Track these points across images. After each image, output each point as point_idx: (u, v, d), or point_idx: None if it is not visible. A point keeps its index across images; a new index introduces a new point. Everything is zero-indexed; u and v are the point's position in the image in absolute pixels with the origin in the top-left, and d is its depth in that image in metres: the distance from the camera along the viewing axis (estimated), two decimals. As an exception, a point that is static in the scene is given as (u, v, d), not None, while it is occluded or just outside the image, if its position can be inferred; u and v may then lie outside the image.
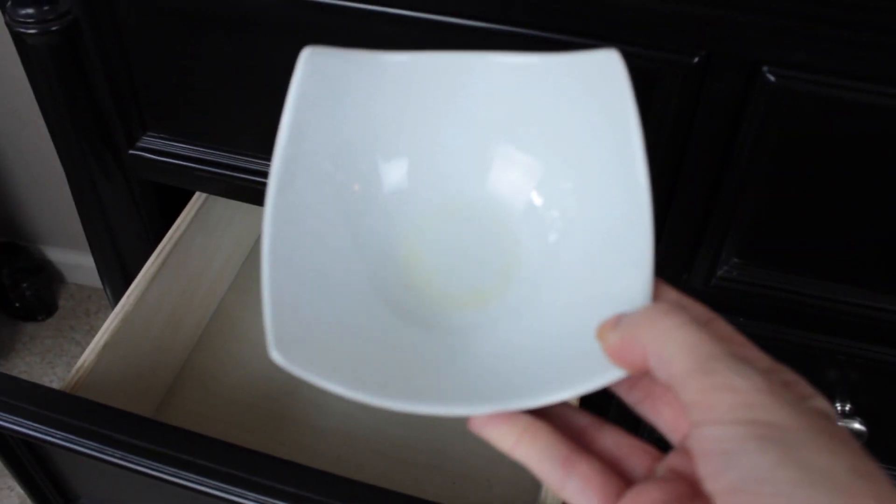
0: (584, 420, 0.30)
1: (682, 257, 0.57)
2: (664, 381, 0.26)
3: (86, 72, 0.59)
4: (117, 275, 0.71)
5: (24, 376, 1.50)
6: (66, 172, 0.66)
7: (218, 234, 0.73)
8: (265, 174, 0.62)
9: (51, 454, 0.57)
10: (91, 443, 0.50)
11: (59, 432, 0.51)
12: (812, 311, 0.58)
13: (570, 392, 0.28)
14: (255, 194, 0.63)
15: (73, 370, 0.58)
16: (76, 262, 1.57)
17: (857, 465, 0.22)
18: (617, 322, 0.28)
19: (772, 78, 0.46)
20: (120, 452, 0.50)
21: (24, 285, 1.50)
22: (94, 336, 0.60)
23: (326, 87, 0.35)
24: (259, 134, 0.61)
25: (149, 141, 0.64)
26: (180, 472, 0.49)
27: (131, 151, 0.64)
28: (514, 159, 0.36)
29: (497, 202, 0.36)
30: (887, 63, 0.44)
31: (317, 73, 0.34)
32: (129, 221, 0.69)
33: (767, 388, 0.24)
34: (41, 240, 1.56)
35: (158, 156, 0.64)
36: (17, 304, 1.52)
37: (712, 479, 0.23)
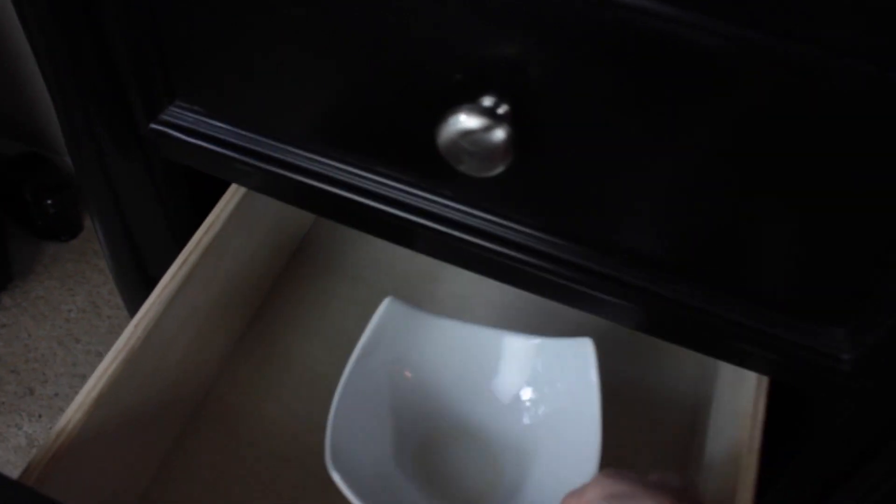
0: None
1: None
2: None
3: (94, 15, 0.41)
4: (133, 277, 0.55)
5: (41, 301, 1.37)
6: (68, 145, 0.49)
7: (262, 232, 0.56)
8: (338, 182, 0.44)
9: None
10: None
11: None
12: None
13: None
14: (319, 203, 0.46)
15: (54, 433, 0.42)
16: (106, 181, 1.41)
17: None
18: None
19: None
20: None
21: (48, 202, 1.36)
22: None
23: (392, 329, 0.51)
24: (336, 127, 0.43)
25: (176, 114, 0.46)
26: None
27: (153, 125, 0.47)
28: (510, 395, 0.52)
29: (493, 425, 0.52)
30: None
31: (389, 318, 0.50)
32: (148, 214, 0.52)
33: None
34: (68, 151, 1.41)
35: (186, 135, 0.46)
36: (40, 223, 1.38)
37: None
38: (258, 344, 0.59)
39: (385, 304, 0.50)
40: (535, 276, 0.43)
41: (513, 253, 0.43)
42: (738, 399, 0.48)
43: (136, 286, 0.54)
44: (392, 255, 0.63)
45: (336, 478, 0.43)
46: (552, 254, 0.42)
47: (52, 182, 1.38)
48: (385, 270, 0.59)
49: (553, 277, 0.43)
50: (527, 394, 0.52)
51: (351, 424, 0.47)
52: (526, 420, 0.51)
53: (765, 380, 0.47)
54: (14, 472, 1.12)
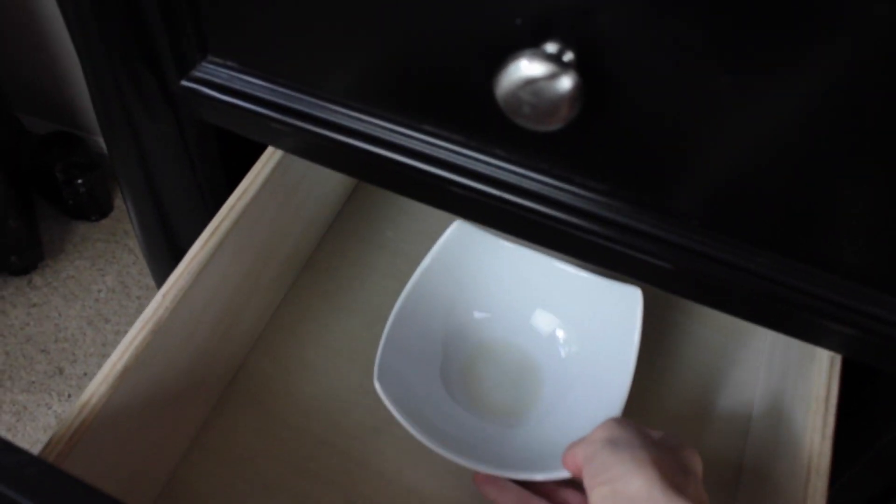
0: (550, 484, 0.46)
1: None
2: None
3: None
4: (161, 246, 0.52)
5: (71, 281, 1.36)
6: (94, 103, 0.46)
7: (298, 199, 0.53)
8: (380, 141, 0.41)
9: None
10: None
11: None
12: None
13: (540, 476, 0.44)
14: (362, 166, 0.43)
15: (77, 406, 0.40)
16: (136, 160, 1.40)
17: None
18: (569, 447, 0.42)
19: None
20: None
21: (79, 181, 1.35)
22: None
23: (457, 252, 0.53)
24: (377, 81, 0.39)
25: (209, 70, 0.43)
26: None
27: (184, 82, 0.44)
28: (550, 320, 0.54)
29: (533, 342, 0.54)
30: None
31: (454, 242, 0.53)
32: (179, 179, 0.49)
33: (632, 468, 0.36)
34: (99, 131, 1.39)
35: (220, 92, 0.43)
36: (71, 202, 1.37)
37: None
38: (292, 318, 0.56)
39: (452, 227, 0.52)
40: (596, 244, 0.39)
41: (573, 219, 0.39)
42: (808, 382, 0.44)
43: (166, 258, 0.52)
44: (433, 227, 0.60)
45: (380, 391, 0.46)
46: (618, 221, 0.38)
47: (83, 161, 1.36)
48: (425, 243, 0.55)
49: (617, 246, 0.39)
50: (569, 328, 0.53)
51: (403, 343, 0.49)
52: (563, 354, 0.53)
53: (837, 361, 0.43)
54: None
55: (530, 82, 0.32)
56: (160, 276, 0.54)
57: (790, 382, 0.48)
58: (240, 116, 0.44)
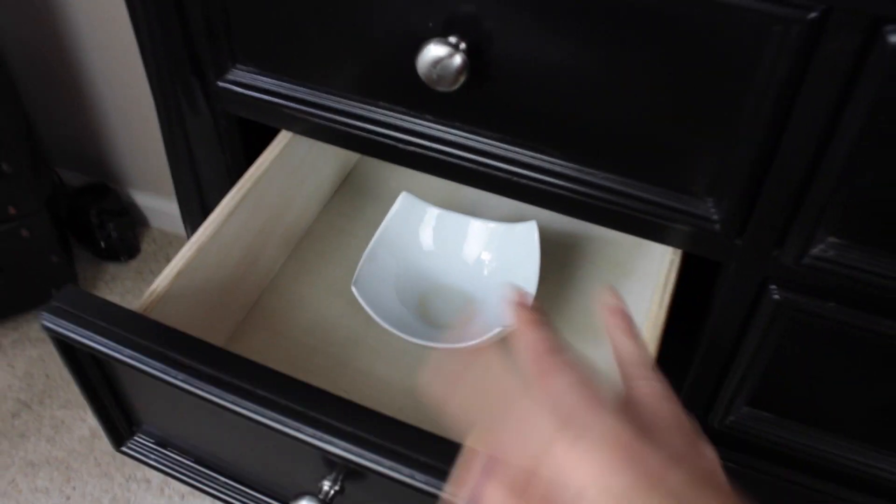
0: None
1: (776, 231, 0.54)
2: None
3: None
4: (197, 209, 0.72)
5: (103, 314, 1.55)
6: (156, 103, 0.66)
7: (300, 176, 0.73)
8: (351, 115, 0.61)
9: (118, 374, 0.58)
10: (156, 363, 0.51)
11: (127, 350, 0.51)
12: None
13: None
14: (339, 135, 0.63)
15: (146, 294, 0.59)
16: (161, 207, 1.60)
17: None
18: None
19: (894, 39, 0.42)
20: (183, 375, 0.50)
21: (111, 226, 1.55)
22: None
23: (404, 217, 0.73)
24: (347, 73, 0.60)
25: (237, 73, 0.64)
26: (240, 400, 0.49)
27: (220, 83, 0.64)
28: (475, 253, 0.75)
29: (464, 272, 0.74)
30: None
31: (401, 211, 0.73)
32: (212, 157, 0.69)
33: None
34: (129, 183, 1.60)
35: (246, 89, 0.64)
36: (103, 244, 1.56)
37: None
38: (295, 269, 0.75)
39: (400, 198, 0.73)
40: (495, 177, 0.59)
41: (483, 159, 0.59)
42: (657, 275, 0.63)
43: (199, 217, 0.71)
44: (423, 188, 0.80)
45: (356, 294, 0.65)
46: (508, 156, 0.58)
47: (115, 209, 1.57)
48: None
49: (508, 176, 0.59)
50: (486, 255, 0.72)
51: (371, 279, 0.68)
52: (485, 272, 0.72)
53: (677, 258, 0.62)
54: (79, 460, 1.32)
55: (437, 61, 0.53)
56: (192, 228, 0.73)
57: (650, 280, 0.66)
58: (260, 107, 0.64)
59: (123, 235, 1.58)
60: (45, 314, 0.53)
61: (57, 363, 1.47)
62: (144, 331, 0.52)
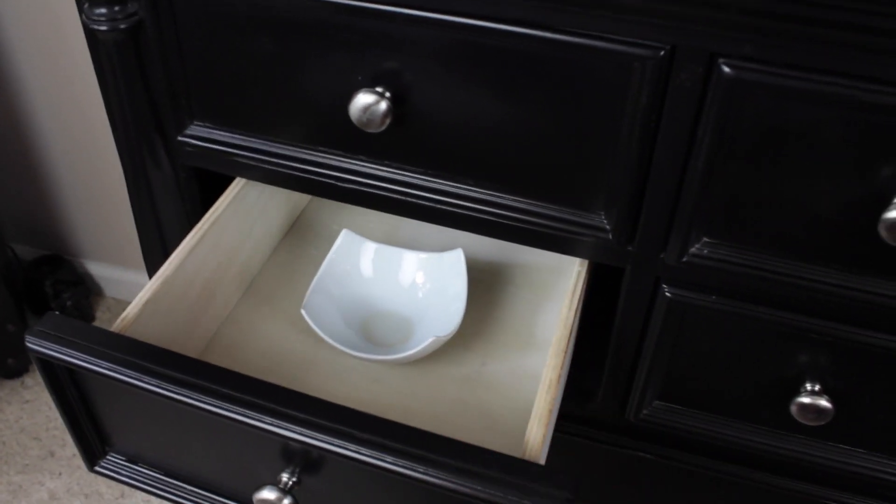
0: None
1: (659, 237, 0.64)
2: None
3: (145, 65, 0.69)
4: (159, 253, 0.80)
5: (60, 381, 1.58)
6: (122, 159, 0.75)
7: (252, 218, 0.82)
8: (297, 159, 0.71)
9: (94, 390, 0.64)
10: (130, 371, 0.58)
11: (104, 363, 0.58)
12: (784, 290, 0.64)
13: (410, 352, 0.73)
14: (287, 178, 0.72)
15: (119, 319, 0.66)
16: (115, 276, 1.66)
17: None
18: None
19: (727, 69, 0.54)
20: (155, 381, 0.58)
21: (65, 295, 1.60)
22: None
23: (345, 253, 0.83)
24: (292, 124, 0.69)
25: (195, 129, 0.73)
26: (207, 398, 0.57)
27: (180, 138, 0.73)
28: (415, 279, 0.84)
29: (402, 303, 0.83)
30: (836, 57, 0.51)
31: (343, 246, 0.83)
32: (172, 204, 0.77)
33: None
34: (84, 255, 1.66)
35: (203, 142, 0.73)
36: (58, 314, 1.60)
37: None
38: (252, 302, 0.83)
39: (342, 234, 0.82)
40: (422, 206, 0.69)
41: (411, 191, 0.69)
42: (568, 282, 0.72)
43: (159, 258, 0.79)
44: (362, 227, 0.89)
45: (305, 316, 0.74)
46: (432, 186, 0.68)
47: (70, 279, 1.62)
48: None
49: (433, 205, 0.68)
50: (419, 281, 0.82)
51: (318, 305, 0.77)
52: (420, 295, 0.81)
53: (584, 269, 0.72)
54: None
55: (367, 107, 0.63)
56: (153, 269, 0.81)
57: (561, 289, 0.76)
58: (215, 157, 0.73)
59: (78, 304, 1.63)
60: (30, 337, 0.60)
61: (12, 429, 1.50)
62: (118, 345, 0.60)
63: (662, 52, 0.55)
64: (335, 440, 0.55)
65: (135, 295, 0.69)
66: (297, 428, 0.55)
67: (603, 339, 0.77)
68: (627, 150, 0.60)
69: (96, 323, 1.65)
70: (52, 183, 1.55)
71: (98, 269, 1.67)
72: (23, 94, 1.40)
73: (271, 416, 0.56)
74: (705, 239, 0.63)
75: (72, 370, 0.62)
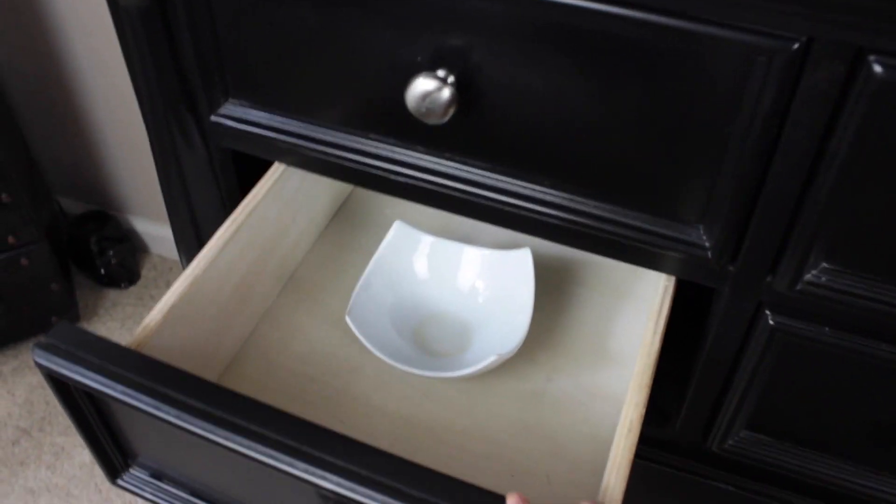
0: None
1: (768, 257, 0.54)
2: None
3: (173, 36, 0.60)
4: (192, 242, 0.72)
5: (104, 341, 1.55)
6: (150, 138, 0.67)
7: (293, 207, 0.73)
8: (343, 147, 0.61)
9: (112, 408, 0.58)
10: (148, 398, 0.51)
11: (119, 386, 0.51)
12: (907, 327, 0.54)
13: (469, 369, 0.64)
14: (331, 167, 0.63)
15: (140, 328, 0.59)
16: (160, 233, 1.61)
17: None
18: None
19: (878, 69, 0.43)
20: (175, 411, 0.50)
21: (110, 253, 1.55)
22: (169, 303, 0.60)
23: (397, 245, 0.74)
24: (338, 107, 0.60)
25: (230, 108, 0.64)
26: (231, 435, 0.49)
27: (213, 118, 0.64)
28: (470, 280, 0.75)
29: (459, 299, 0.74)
30: None
31: (395, 241, 0.74)
32: (206, 190, 0.69)
33: None
34: (129, 210, 1.61)
35: (238, 123, 0.64)
36: (103, 271, 1.56)
37: None
38: (291, 299, 0.75)
39: (394, 227, 0.73)
40: (486, 206, 0.59)
41: (471, 189, 0.59)
42: (652, 302, 0.62)
43: (195, 250, 0.71)
44: (417, 216, 0.80)
45: (351, 324, 0.66)
46: (498, 186, 0.58)
47: (115, 235, 1.58)
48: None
49: (499, 206, 0.59)
50: (480, 283, 0.72)
51: (365, 309, 0.69)
52: (480, 300, 0.73)
53: (671, 284, 0.62)
54: (79, 487, 1.26)
55: (426, 95, 0.53)
56: (188, 259, 0.74)
57: (645, 303, 0.66)
58: (252, 140, 0.64)
59: (123, 262, 1.58)
60: (38, 350, 0.53)
61: (58, 391, 1.47)
62: (136, 367, 0.52)
63: (796, 46, 0.44)
64: (377, 495, 0.47)
65: (180, 254, 0.62)
66: (333, 477, 0.47)
67: (680, 352, 0.68)
68: (740, 157, 0.49)
69: (141, 283, 1.61)
70: (98, 137, 1.49)
71: (143, 226, 1.62)
72: (69, 48, 1.33)
73: (305, 462, 0.48)
74: (824, 265, 0.53)
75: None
